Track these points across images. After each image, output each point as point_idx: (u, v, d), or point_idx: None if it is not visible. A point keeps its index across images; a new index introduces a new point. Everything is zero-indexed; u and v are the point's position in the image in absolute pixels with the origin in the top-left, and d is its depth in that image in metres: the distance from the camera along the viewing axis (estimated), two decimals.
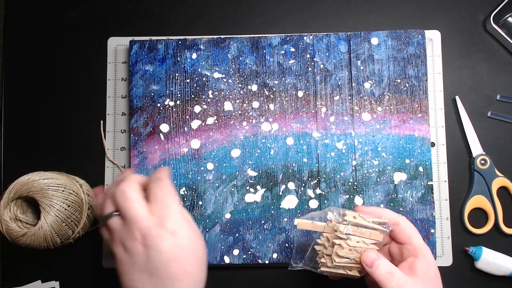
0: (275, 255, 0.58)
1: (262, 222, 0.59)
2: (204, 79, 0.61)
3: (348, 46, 0.61)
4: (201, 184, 0.60)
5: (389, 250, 0.49)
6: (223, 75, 0.61)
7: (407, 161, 0.59)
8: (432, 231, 0.58)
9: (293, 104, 0.60)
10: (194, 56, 0.61)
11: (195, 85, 0.61)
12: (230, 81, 0.61)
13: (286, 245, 0.58)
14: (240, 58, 0.61)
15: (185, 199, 0.59)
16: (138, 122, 0.61)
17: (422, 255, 0.46)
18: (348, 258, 0.46)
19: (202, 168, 0.60)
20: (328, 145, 0.60)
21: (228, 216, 0.59)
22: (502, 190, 0.61)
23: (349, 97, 0.60)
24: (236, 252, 0.59)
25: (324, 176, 0.59)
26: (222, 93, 0.61)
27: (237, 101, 0.61)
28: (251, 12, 0.65)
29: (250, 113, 0.60)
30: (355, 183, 0.59)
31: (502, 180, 0.60)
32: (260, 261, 0.58)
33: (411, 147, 0.59)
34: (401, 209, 0.58)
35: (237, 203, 0.59)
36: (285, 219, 0.59)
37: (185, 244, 0.42)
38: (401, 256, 0.47)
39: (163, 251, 0.41)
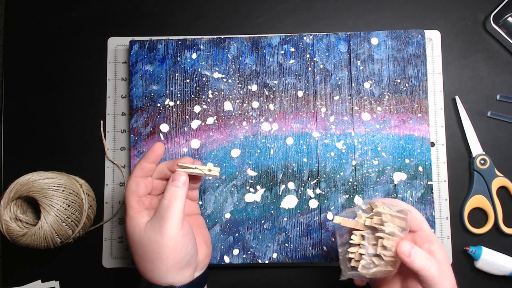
0: (275, 255, 0.58)
1: (262, 222, 0.59)
2: (204, 79, 0.61)
3: (348, 46, 0.61)
4: (201, 183, 0.60)
5: None
6: (223, 75, 0.61)
7: (407, 161, 0.59)
8: (432, 230, 0.58)
9: (293, 104, 0.60)
10: (194, 56, 0.61)
11: (195, 85, 0.61)
12: (230, 81, 0.61)
13: (286, 245, 0.58)
14: (240, 58, 0.61)
15: None
16: (138, 122, 0.61)
17: (435, 240, 0.46)
18: (391, 250, 0.43)
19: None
20: (328, 145, 0.60)
21: (228, 216, 0.59)
22: (502, 190, 0.61)
23: (349, 97, 0.60)
24: (236, 252, 0.59)
25: (324, 176, 0.59)
26: (222, 93, 0.61)
27: (237, 101, 0.61)
28: (251, 12, 0.65)
29: (250, 113, 0.61)
30: (355, 183, 0.59)
31: (502, 180, 0.60)
32: (260, 261, 0.58)
33: (411, 147, 0.59)
34: None
35: (237, 203, 0.59)
36: (285, 219, 0.59)
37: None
38: (414, 244, 0.46)
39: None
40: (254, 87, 0.61)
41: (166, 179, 0.50)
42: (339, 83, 0.60)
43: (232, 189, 0.59)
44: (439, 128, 0.62)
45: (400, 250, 0.43)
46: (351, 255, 0.46)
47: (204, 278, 0.50)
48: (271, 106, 0.61)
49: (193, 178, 0.51)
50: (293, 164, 0.60)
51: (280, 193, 0.59)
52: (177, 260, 0.45)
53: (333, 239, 0.58)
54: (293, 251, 0.58)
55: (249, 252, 0.58)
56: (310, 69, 0.61)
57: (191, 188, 0.52)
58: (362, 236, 0.45)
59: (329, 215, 0.59)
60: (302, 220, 0.59)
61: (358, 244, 0.45)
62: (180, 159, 0.49)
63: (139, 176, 0.48)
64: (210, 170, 0.48)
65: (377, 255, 0.44)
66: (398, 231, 0.45)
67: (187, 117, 0.61)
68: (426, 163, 0.59)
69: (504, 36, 0.62)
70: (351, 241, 0.46)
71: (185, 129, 0.61)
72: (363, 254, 0.45)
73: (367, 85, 0.60)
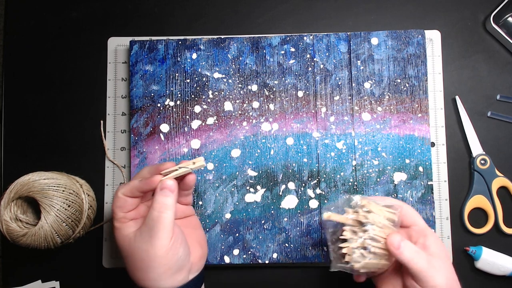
0: (275, 255, 0.58)
1: (262, 222, 0.59)
2: (204, 79, 0.61)
3: (348, 46, 0.61)
4: (201, 184, 0.60)
5: None
6: (223, 75, 0.61)
7: (407, 161, 0.59)
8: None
9: (293, 104, 0.60)
10: (194, 56, 0.61)
11: (195, 85, 0.61)
12: (230, 81, 0.61)
13: (286, 245, 0.58)
14: (240, 58, 0.61)
15: None
16: (138, 122, 0.61)
17: (431, 234, 0.46)
18: (380, 241, 0.44)
19: (202, 168, 0.60)
20: (328, 145, 0.60)
21: (228, 216, 0.59)
22: (502, 190, 0.61)
23: (349, 97, 0.60)
24: (236, 252, 0.59)
25: (324, 176, 0.59)
26: (222, 93, 0.61)
27: (237, 101, 0.61)
28: (251, 12, 0.65)
29: (250, 113, 0.61)
30: (355, 183, 0.59)
31: (502, 180, 0.60)
32: (260, 261, 0.58)
33: (411, 147, 0.59)
34: None
35: (237, 203, 0.59)
36: (285, 219, 0.59)
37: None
38: (410, 239, 0.47)
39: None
40: (254, 87, 0.61)
41: None
42: (339, 83, 0.60)
43: (232, 189, 0.59)
44: (439, 128, 0.62)
45: (389, 242, 0.44)
46: (344, 250, 0.46)
47: (199, 279, 0.50)
48: (271, 106, 0.61)
49: (184, 185, 0.50)
50: (293, 164, 0.60)
51: (280, 193, 0.59)
52: (168, 267, 0.45)
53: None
54: (293, 251, 0.58)
55: (249, 252, 0.58)
56: (310, 69, 0.61)
57: (183, 195, 0.51)
58: (353, 231, 0.46)
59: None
60: (302, 220, 0.59)
61: (349, 239, 0.46)
62: (161, 165, 0.48)
63: (128, 195, 0.47)
64: (194, 163, 0.47)
65: (365, 248, 0.45)
66: (389, 224, 0.45)
67: (187, 117, 0.61)
68: (426, 163, 0.59)
69: (504, 36, 0.62)
70: (342, 237, 0.47)
71: (185, 129, 0.61)
72: (354, 248, 0.45)
73: (367, 85, 0.60)
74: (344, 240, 0.47)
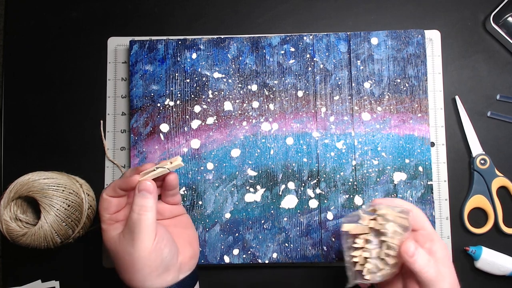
0: (275, 255, 0.58)
1: (262, 221, 0.59)
2: (204, 79, 0.61)
3: (348, 46, 0.61)
4: (201, 184, 0.60)
5: None
6: (223, 75, 0.61)
7: (407, 161, 0.59)
8: (434, 230, 0.58)
9: (293, 104, 0.60)
10: (194, 56, 0.61)
11: (195, 85, 0.61)
12: (230, 81, 0.61)
13: (286, 244, 0.58)
14: (240, 58, 0.61)
15: (185, 198, 0.59)
16: (138, 122, 0.61)
17: (437, 239, 0.46)
18: (394, 249, 0.43)
19: (202, 168, 0.60)
20: (328, 145, 0.60)
21: (228, 215, 0.59)
22: (502, 190, 0.61)
23: (349, 97, 0.60)
24: (236, 251, 0.59)
25: (324, 176, 0.59)
26: (222, 93, 0.61)
27: (237, 101, 0.61)
28: (251, 12, 0.65)
29: (250, 113, 0.61)
30: (355, 183, 0.59)
31: (502, 180, 0.60)
32: (260, 261, 0.58)
33: (410, 147, 0.59)
34: None
35: (237, 203, 0.59)
36: (285, 219, 0.59)
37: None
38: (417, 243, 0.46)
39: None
40: (254, 87, 0.61)
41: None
42: (339, 83, 0.60)
43: (232, 189, 0.59)
44: (439, 128, 0.62)
45: (404, 250, 0.43)
46: (355, 259, 0.45)
47: (192, 278, 0.49)
48: (271, 106, 0.61)
49: (166, 185, 0.49)
50: (293, 164, 0.60)
51: (280, 193, 0.59)
52: (154, 268, 0.45)
53: (333, 239, 0.58)
54: (293, 251, 0.58)
55: (249, 252, 0.58)
56: (310, 69, 0.61)
57: (169, 195, 0.51)
58: (366, 239, 0.45)
59: (329, 215, 0.59)
60: (302, 220, 0.59)
61: (362, 248, 0.45)
62: (141, 166, 0.47)
63: (112, 195, 0.47)
64: (171, 163, 0.47)
65: (381, 259, 0.44)
66: (401, 231, 0.44)
67: (187, 117, 0.61)
68: (426, 163, 0.59)
69: (504, 36, 0.62)
70: (355, 245, 0.45)
71: (185, 129, 0.61)
72: (367, 258, 0.44)
73: (367, 85, 0.60)
74: (355, 248, 0.46)
